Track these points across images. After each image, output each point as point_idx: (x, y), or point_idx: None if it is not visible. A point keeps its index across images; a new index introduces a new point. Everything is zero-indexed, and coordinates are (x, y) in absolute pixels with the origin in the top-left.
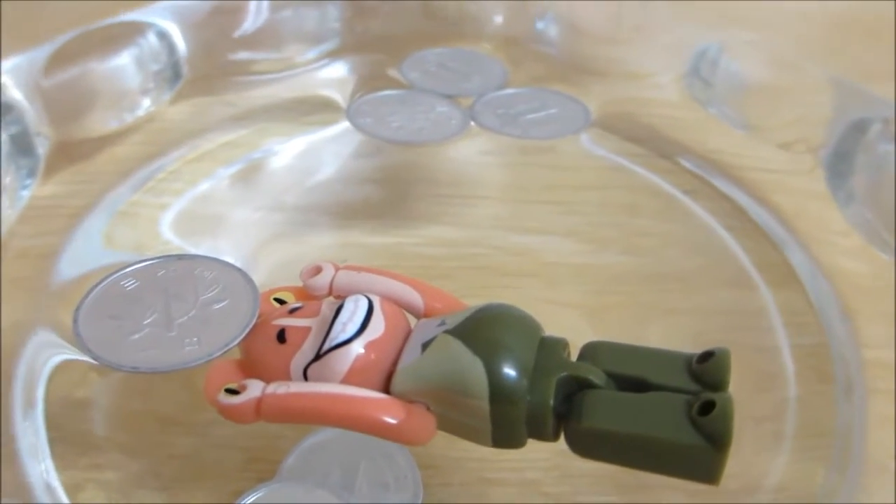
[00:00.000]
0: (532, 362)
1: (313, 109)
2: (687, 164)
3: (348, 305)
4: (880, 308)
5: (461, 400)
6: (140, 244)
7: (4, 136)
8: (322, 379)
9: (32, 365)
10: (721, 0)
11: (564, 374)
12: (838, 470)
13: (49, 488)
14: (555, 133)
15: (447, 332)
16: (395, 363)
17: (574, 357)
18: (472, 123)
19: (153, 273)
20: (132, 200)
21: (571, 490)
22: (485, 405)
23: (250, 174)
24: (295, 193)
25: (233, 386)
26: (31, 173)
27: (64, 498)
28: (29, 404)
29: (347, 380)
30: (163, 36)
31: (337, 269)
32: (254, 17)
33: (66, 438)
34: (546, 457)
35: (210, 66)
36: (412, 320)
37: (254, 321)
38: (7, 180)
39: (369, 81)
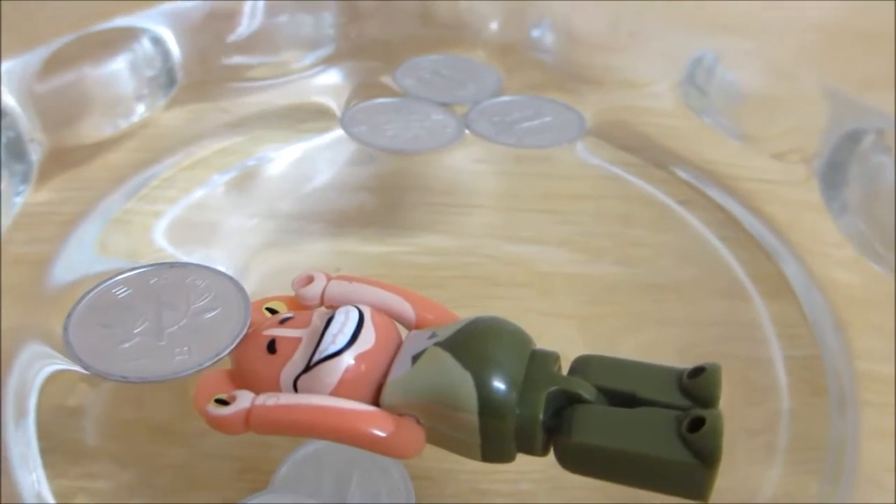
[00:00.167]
0: (522, 376)
1: (308, 116)
2: (682, 174)
3: (339, 316)
4: (874, 320)
5: (451, 413)
6: (133, 252)
7: None
8: (312, 390)
9: (24, 374)
10: (716, 9)
11: (554, 388)
12: (831, 483)
13: (40, 497)
14: (550, 142)
15: (437, 344)
16: (385, 375)
17: (565, 370)
18: (467, 132)
19: (145, 281)
20: (126, 208)
21: (564, 502)
22: (474, 419)
23: (245, 181)
24: (289, 201)
25: (222, 396)
26: (25, 179)
27: None
28: (20, 413)
29: (337, 391)
30: (157, 41)
31: (329, 278)
32: (248, 22)
33: (57, 448)
34: (539, 468)
35: (205, 72)
36: (403, 332)
37: (244, 331)
38: (0, 186)
39: (363, 89)
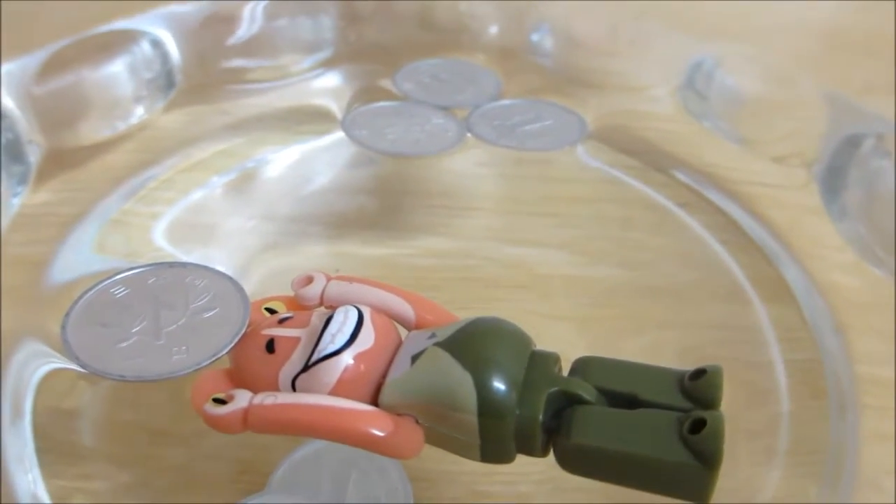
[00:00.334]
0: (522, 377)
1: (307, 119)
2: (681, 178)
3: (338, 316)
4: (873, 323)
5: (450, 414)
6: (132, 253)
7: None
8: (310, 390)
9: (21, 374)
10: (716, 14)
11: (555, 389)
12: (831, 485)
13: (36, 498)
14: (551, 145)
15: (437, 344)
16: (384, 375)
17: (565, 372)
18: (469, 135)
19: (144, 281)
20: (124, 209)
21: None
22: (473, 419)
23: (243, 183)
24: (288, 203)
25: (220, 396)
26: (23, 181)
27: None
28: (17, 414)
29: (336, 391)
30: (156, 44)
31: (328, 279)
32: (248, 25)
33: (53, 448)
34: (539, 470)
35: (204, 75)
36: (403, 332)
37: (243, 331)
38: None
39: (363, 93)
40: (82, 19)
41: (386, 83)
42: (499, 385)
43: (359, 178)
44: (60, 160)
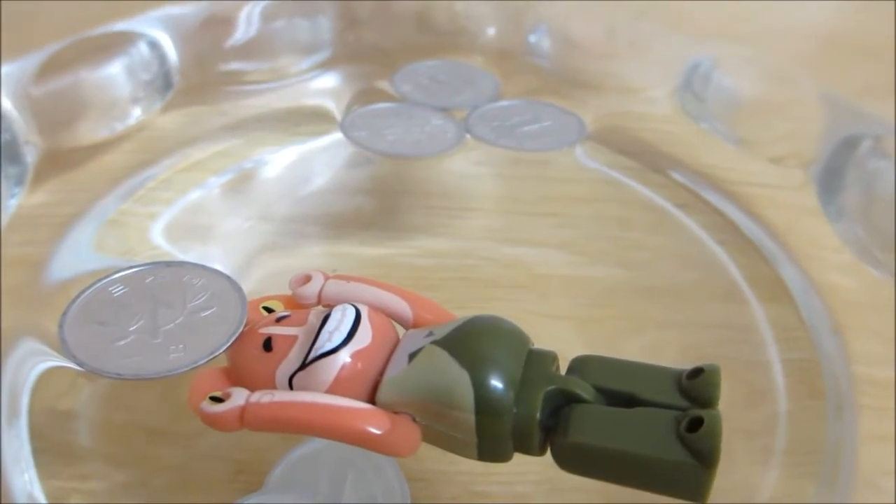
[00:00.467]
0: (519, 375)
1: (305, 120)
2: (679, 178)
3: (335, 314)
4: (871, 324)
5: (447, 412)
6: (129, 252)
7: None
8: (308, 388)
9: (18, 374)
10: (713, 15)
11: (552, 387)
12: (828, 486)
13: (32, 498)
14: (550, 145)
15: (434, 342)
16: (381, 373)
17: (563, 370)
18: (468, 136)
19: (142, 279)
20: (122, 209)
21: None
22: (470, 417)
23: (241, 184)
24: (286, 204)
25: (217, 394)
26: (20, 182)
27: None
28: (14, 414)
29: (333, 389)
30: (154, 45)
31: (326, 278)
32: (245, 27)
33: (50, 448)
34: (537, 469)
35: (201, 76)
36: (401, 331)
37: (240, 329)
38: None
39: (361, 94)
40: (80, 21)
41: (384, 84)
42: (496, 383)
43: (357, 178)
44: (58, 161)
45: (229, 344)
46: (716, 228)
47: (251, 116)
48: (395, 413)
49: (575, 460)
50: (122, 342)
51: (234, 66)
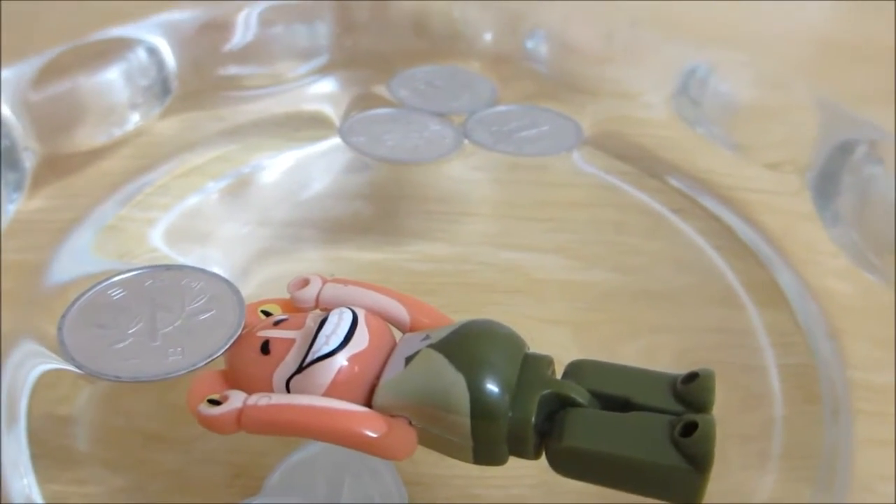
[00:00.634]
0: (515, 379)
1: (303, 125)
2: (676, 184)
3: (332, 318)
4: (867, 329)
5: (442, 415)
6: (127, 255)
7: None
8: (304, 391)
9: (17, 375)
10: (710, 21)
11: (548, 391)
12: (824, 490)
13: (31, 502)
14: (547, 150)
15: (431, 346)
16: (378, 377)
17: (559, 375)
18: (466, 141)
19: (140, 283)
20: (120, 215)
21: None
22: (466, 421)
23: (239, 189)
24: (284, 209)
25: (215, 397)
26: (18, 188)
27: None
28: (12, 418)
29: (330, 392)
30: (152, 51)
31: (324, 281)
32: (243, 32)
33: (48, 454)
34: (532, 473)
35: (199, 82)
36: (398, 335)
37: (238, 332)
38: None
39: (358, 100)
40: (78, 27)
41: (381, 90)
42: (492, 387)
43: (354, 183)
44: (56, 166)
45: (227, 347)
46: (712, 233)
47: (249, 122)
48: (392, 416)
49: (570, 464)
50: (121, 345)
51: (232, 71)
